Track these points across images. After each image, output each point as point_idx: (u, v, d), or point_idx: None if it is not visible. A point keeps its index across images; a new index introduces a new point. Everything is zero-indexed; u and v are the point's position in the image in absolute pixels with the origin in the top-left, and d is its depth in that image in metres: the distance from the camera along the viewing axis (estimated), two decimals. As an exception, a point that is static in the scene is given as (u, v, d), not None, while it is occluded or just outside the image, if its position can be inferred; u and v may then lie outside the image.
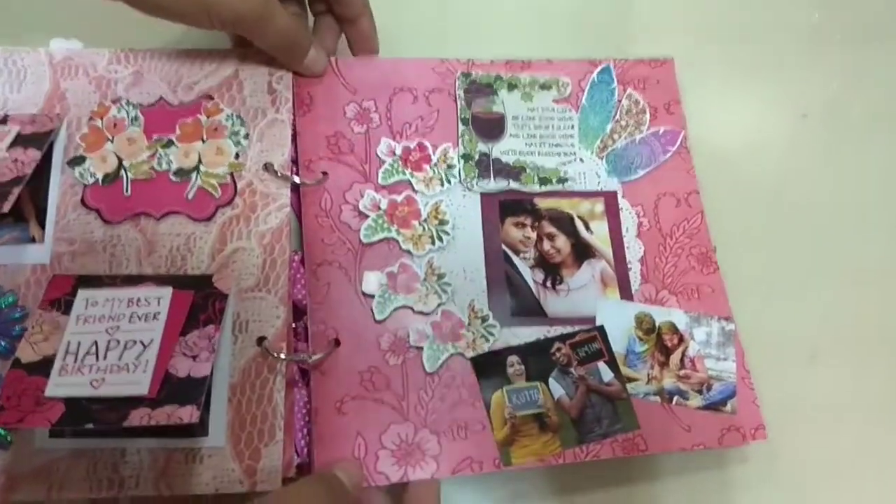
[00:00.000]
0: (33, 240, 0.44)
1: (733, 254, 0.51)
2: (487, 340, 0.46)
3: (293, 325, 0.45)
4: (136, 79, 0.48)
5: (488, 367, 0.45)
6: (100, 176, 0.46)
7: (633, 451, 0.44)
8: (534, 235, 0.49)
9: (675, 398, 0.46)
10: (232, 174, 0.46)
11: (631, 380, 0.46)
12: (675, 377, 0.47)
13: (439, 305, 0.46)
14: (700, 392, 0.47)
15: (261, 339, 0.43)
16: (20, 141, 0.44)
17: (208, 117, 0.47)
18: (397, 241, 0.47)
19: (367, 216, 0.47)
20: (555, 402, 0.45)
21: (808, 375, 0.52)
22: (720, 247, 0.51)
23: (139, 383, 0.39)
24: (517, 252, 0.48)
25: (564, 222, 0.50)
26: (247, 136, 0.47)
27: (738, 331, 0.49)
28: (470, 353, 0.45)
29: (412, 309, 0.45)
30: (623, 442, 0.45)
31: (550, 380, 0.45)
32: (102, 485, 0.40)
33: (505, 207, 0.49)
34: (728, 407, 0.47)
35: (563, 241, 0.49)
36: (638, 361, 0.47)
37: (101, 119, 0.47)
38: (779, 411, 0.47)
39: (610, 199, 0.51)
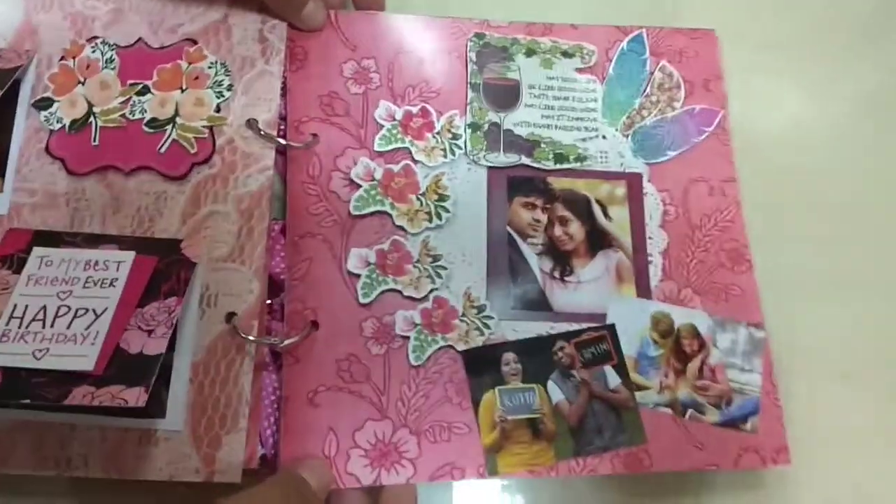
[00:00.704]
0: (-10, 188, 0.40)
1: (763, 253, 0.45)
2: (482, 333, 0.41)
3: (268, 301, 0.41)
4: (115, 16, 0.44)
5: (481, 363, 0.40)
6: (67, 122, 0.41)
7: (635, 468, 0.40)
8: (544, 219, 0.44)
9: (689, 411, 0.41)
10: (211, 128, 0.42)
11: (641, 387, 0.41)
12: (692, 387, 0.42)
13: (431, 291, 0.41)
14: (718, 406, 0.42)
15: (230, 316, 0.39)
16: (-20, 77, 0.40)
17: (190, 64, 0.43)
18: (390, 216, 0.42)
19: (358, 186, 0.42)
20: (552, 408, 0.40)
21: (840, 394, 0.46)
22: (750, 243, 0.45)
23: (85, 357, 0.35)
24: (524, 236, 0.43)
25: (580, 205, 0.44)
26: (231, 88, 0.42)
27: (769, 339, 0.43)
28: (461, 347, 0.40)
29: (401, 293, 0.41)
30: (625, 456, 0.40)
31: (549, 382, 0.41)
32: (48, 463, 0.37)
33: (514, 185, 0.44)
34: (748, 425, 0.42)
35: (576, 227, 0.44)
36: (650, 367, 0.42)
37: (74, 59, 0.43)
38: (804, 433, 0.42)
39: (634, 181, 0.45)
